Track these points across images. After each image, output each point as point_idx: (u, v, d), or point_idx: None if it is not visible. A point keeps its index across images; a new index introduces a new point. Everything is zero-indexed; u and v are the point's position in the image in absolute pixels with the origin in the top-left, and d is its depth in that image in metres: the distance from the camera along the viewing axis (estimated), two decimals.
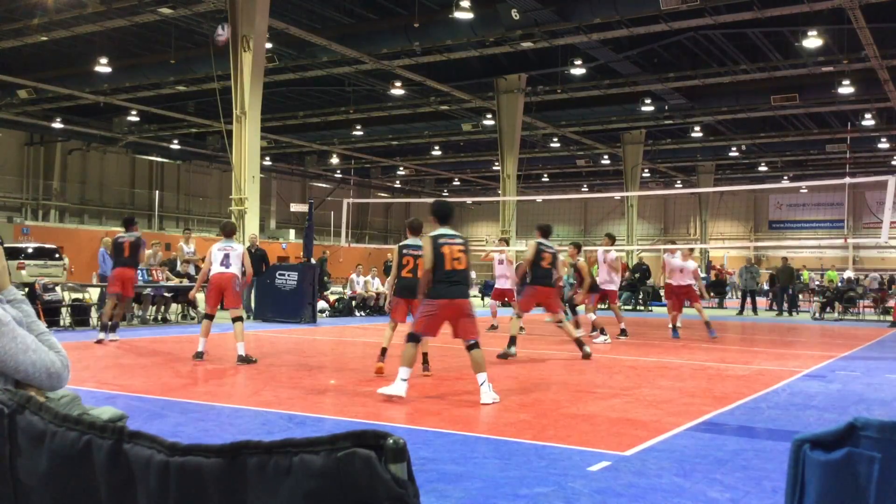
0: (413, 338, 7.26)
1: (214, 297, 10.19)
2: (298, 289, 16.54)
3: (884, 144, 37.22)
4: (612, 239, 15.27)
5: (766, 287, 29.15)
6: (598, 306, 15.70)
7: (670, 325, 14.99)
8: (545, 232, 11.17)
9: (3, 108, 32.17)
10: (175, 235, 36.85)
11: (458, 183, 57.22)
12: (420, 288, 7.64)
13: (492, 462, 4.82)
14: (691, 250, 14.91)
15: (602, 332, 13.58)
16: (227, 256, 10.08)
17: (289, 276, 16.72)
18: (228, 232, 10.45)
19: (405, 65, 25.30)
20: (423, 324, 7.29)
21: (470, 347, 7.20)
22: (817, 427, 1.34)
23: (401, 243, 9.17)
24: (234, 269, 10.05)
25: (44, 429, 1.30)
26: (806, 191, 50.11)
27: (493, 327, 15.53)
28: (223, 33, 14.83)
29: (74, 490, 1.27)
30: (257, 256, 17.27)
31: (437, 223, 7.63)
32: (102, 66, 24.85)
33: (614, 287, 15.09)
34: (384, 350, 8.84)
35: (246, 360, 9.60)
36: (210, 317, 10.13)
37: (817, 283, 31.01)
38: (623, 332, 14.42)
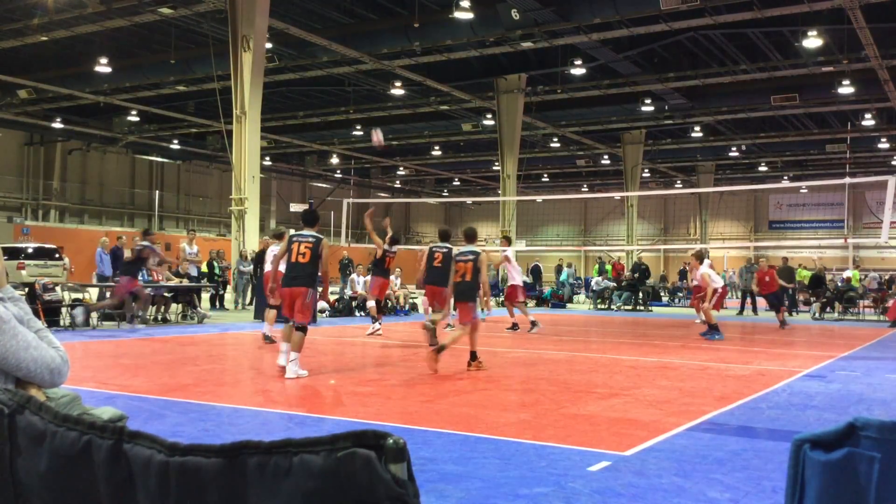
0: (284, 320, 8.44)
1: None
2: None
3: (884, 144, 37.23)
4: (507, 240, 16.54)
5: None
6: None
7: (709, 325, 14.84)
8: (442, 236, 12.41)
9: (3, 108, 32.18)
10: (175, 235, 36.90)
11: (458, 183, 57.24)
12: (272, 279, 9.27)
13: (492, 462, 4.82)
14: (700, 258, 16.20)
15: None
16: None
17: None
18: (279, 237, 12.23)
19: (405, 65, 25.31)
20: (283, 307, 8.64)
21: (296, 328, 8.32)
22: (817, 427, 1.34)
23: (457, 250, 9.81)
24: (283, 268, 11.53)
25: (44, 429, 1.30)
26: (806, 191, 50.10)
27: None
28: (376, 137, 16.28)
29: (74, 490, 1.27)
30: None
31: (302, 225, 8.84)
32: (102, 66, 24.87)
33: (513, 283, 15.83)
34: (442, 347, 9.03)
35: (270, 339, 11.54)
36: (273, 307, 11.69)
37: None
38: (514, 326, 15.46)
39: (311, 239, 8.49)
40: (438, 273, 11.77)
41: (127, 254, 16.93)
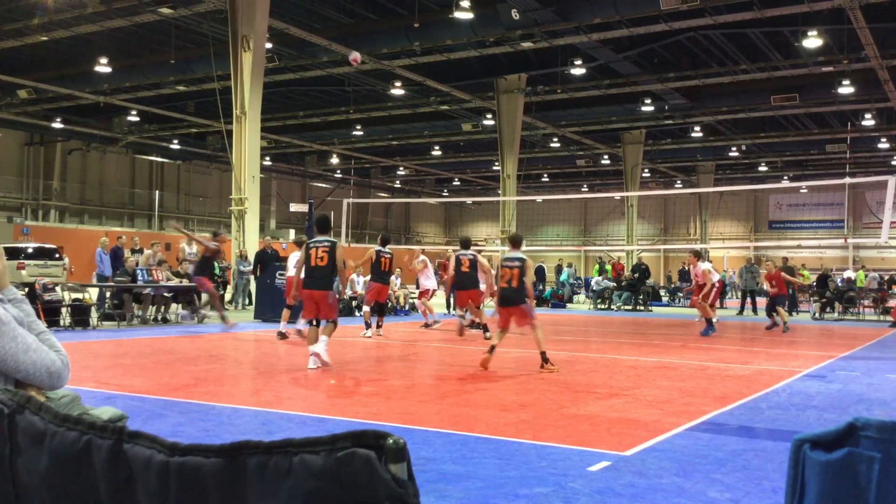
0: (309, 322, 9.37)
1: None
2: None
3: (884, 144, 37.22)
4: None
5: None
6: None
7: (706, 320, 15.72)
8: (464, 244, 13.71)
9: (3, 108, 32.17)
10: (175, 235, 36.84)
11: (458, 183, 57.22)
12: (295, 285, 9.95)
13: (492, 462, 4.82)
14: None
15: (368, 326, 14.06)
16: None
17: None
18: (301, 245, 12.67)
19: (405, 65, 25.30)
20: (304, 308, 9.73)
21: (326, 323, 9.29)
22: (817, 427, 1.34)
23: (503, 256, 10.14)
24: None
25: (44, 429, 1.30)
26: (806, 191, 50.10)
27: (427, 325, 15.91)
28: (354, 56, 17.01)
29: (74, 490, 1.27)
30: (272, 257, 18.92)
31: (317, 232, 9.79)
32: (102, 66, 24.86)
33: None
34: (493, 347, 9.46)
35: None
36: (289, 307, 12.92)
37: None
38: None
39: (326, 244, 9.32)
40: (468, 277, 13.14)
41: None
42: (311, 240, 9.76)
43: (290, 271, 13.12)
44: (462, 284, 13.35)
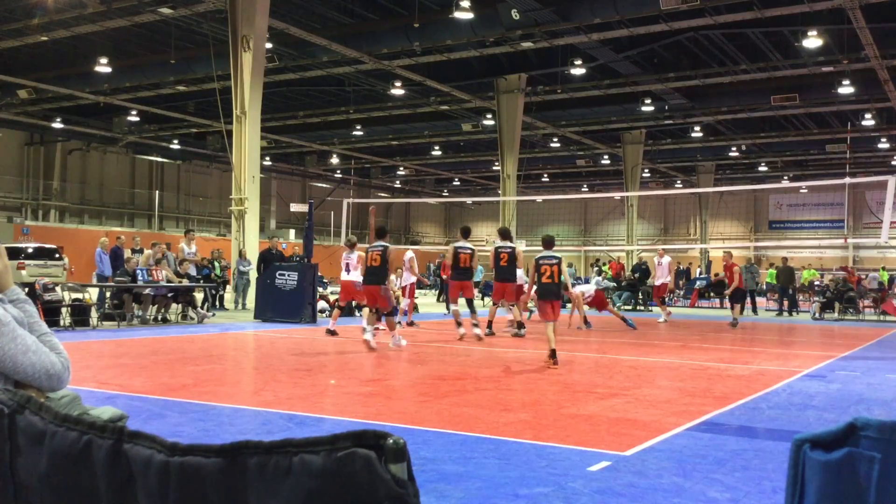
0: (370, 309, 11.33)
1: (343, 295, 14.27)
2: (298, 289, 16.53)
3: (884, 144, 37.21)
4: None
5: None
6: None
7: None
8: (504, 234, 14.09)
9: (3, 108, 32.17)
10: (175, 235, 36.87)
11: (458, 183, 57.21)
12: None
13: (492, 462, 4.82)
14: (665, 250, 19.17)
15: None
16: (347, 266, 13.31)
17: (289, 276, 16.72)
18: (352, 246, 13.51)
19: (405, 65, 25.30)
20: (365, 299, 11.63)
21: (385, 315, 11.45)
22: (817, 427, 1.34)
23: (538, 255, 10.53)
24: (354, 276, 13.17)
25: (44, 429, 1.30)
26: (806, 191, 50.09)
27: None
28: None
29: (74, 490, 1.27)
30: (276, 257, 19.30)
31: (376, 238, 11.83)
32: (102, 66, 24.86)
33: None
34: (553, 351, 9.91)
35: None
36: (342, 308, 14.54)
37: (817, 283, 30.94)
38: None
39: (379, 248, 11.17)
40: (506, 271, 13.45)
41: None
42: (369, 245, 11.55)
43: (345, 275, 13.30)
44: (501, 277, 13.42)
